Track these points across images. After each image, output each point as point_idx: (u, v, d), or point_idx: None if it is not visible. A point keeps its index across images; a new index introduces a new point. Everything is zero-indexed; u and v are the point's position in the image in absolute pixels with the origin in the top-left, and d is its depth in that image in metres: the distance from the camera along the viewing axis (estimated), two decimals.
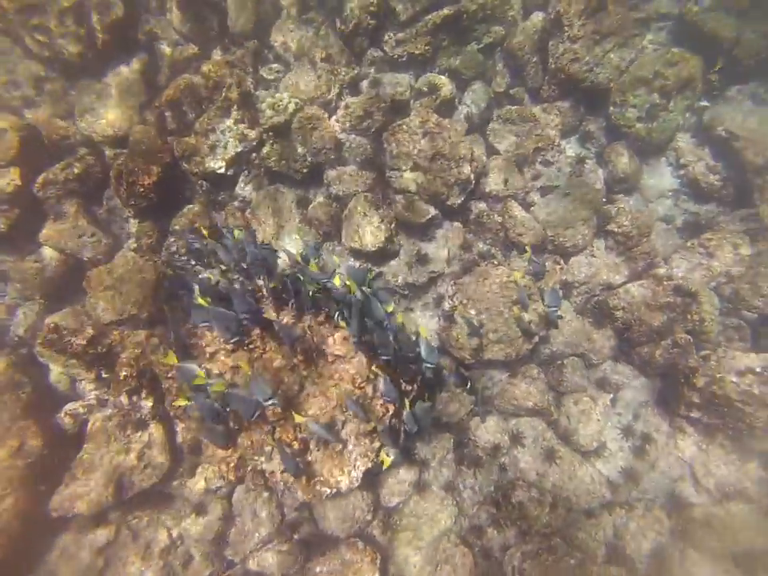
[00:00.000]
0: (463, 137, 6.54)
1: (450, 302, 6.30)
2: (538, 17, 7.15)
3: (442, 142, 6.45)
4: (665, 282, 6.07)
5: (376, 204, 6.64)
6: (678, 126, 7.04)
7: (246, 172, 7.04)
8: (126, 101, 7.47)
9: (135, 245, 6.76)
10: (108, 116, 7.37)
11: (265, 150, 6.93)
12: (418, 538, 5.63)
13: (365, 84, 7.46)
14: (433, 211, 6.66)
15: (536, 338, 6.08)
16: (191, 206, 6.79)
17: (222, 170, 6.85)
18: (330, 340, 5.31)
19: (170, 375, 5.44)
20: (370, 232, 6.50)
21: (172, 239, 6.72)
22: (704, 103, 7.21)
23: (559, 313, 6.04)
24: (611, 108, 7.05)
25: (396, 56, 7.46)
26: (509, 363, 6.18)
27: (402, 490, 5.92)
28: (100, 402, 6.24)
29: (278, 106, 6.81)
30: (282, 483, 5.37)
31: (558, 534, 5.61)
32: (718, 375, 5.61)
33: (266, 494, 5.97)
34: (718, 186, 6.77)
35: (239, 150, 6.88)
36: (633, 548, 5.78)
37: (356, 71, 7.33)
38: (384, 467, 5.23)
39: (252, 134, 6.88)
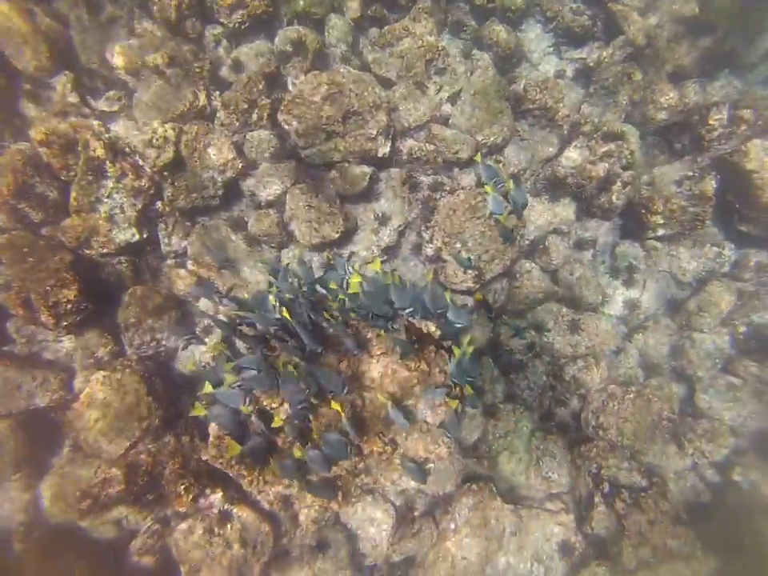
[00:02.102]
0: (364, 83, 6.13)
1: (431, 245, 6.35)
2: None
3: (348, 99, 6.02)
4: (594, 135, 6.54)
5: (314, 190, 6.22)
6: None
7: (162, 225, 6.15)
8: None
9: (92, 360, 5.86)
10: None
11: (168, 192, 6.04)
12: (512, 452, 6.22)
13: (225, 71, 6.56)
14: (368, 169, 6.40)
15: (518, 239, 6.43)
16: (129, 290, 5.89)
17: (137, 237, 5.93)
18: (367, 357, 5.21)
19: (234, 463, 5.12)
20: (325, 221, 6.16)
21: (130, 333, 5.90)
22: None
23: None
24: None
25: (237, 24, 6.56)
26: (506, 271, 6.54)
27: (476, 424, 6.37)
28: (165, 523, 5.81)
29: (156, 140, 5.83)
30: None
31: (609, 381, 6.50)
32: (666, 193, 6.40)
33: (369, 498, 6.14)
34: (590, 25, 7.13)
35: (140, 206, 5.94)
36: (657, 356, 6.86)
37: (208, 60, 6.38)
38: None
39: (144, 182, 5.91)
